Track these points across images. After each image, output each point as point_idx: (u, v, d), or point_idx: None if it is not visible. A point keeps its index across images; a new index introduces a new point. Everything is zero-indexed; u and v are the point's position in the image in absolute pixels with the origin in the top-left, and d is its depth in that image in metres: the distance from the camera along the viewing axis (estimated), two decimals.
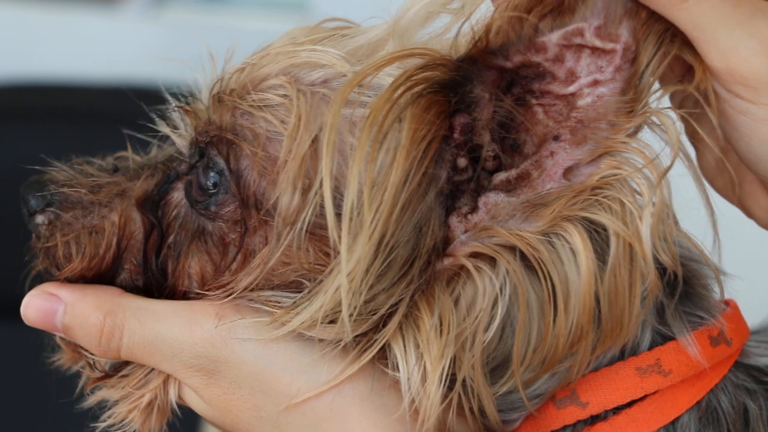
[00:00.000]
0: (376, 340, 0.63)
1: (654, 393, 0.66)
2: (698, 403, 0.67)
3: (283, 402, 0.65)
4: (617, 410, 0.67)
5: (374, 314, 0.62)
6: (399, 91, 0.60)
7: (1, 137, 1.55)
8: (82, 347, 0.71)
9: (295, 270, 0.65)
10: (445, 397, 0.63)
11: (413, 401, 0.63)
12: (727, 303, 0.71)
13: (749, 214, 0.72)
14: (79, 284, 0.70)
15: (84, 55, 1.81)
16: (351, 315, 0.61)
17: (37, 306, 0.69)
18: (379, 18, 0.66)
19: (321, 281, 0.63)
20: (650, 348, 0.67)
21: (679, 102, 0.69)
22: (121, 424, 0.70)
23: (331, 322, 0.63)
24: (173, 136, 0.71)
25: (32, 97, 1.64)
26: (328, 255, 0.64)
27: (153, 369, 0.69)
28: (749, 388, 0.69)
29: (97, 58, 1.65)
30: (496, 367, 0.65)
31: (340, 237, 0.60)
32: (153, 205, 0.70)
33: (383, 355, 0.64)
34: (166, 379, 0.69)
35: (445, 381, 0.62)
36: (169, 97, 0.70)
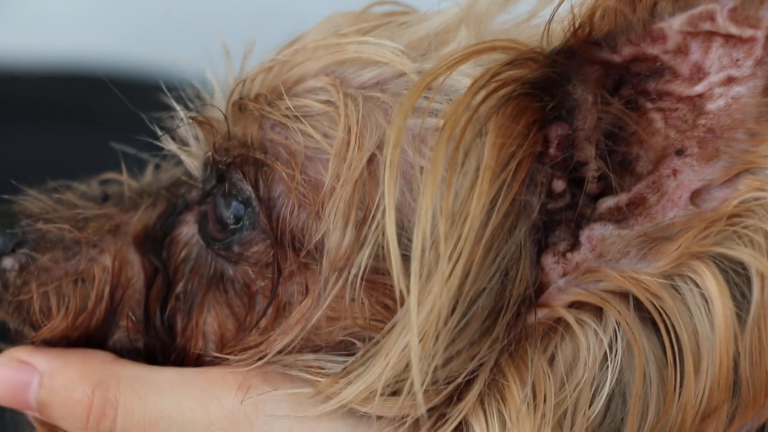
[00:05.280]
0: (449, 416, 0.56)
1: None
2: None
3: None
4: None
5: (449, 383, 0.55)
6: (480, 96, 0.53)
7: None
8: (62, 429, 0.63)
9: (344, 327, 0.58)
10: None
11: None
12: None
13: None
14: (59, 348, 0.63)
15: (47, 35, 1.72)
16: (422, 384, 0.53)
17: (5, 378, 0.61)
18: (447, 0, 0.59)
19: (378, 342, 0.56)
20: None
21: None
22: None
23: (393, 393, 0.56)
24: (181, 155, 0.63)
25: None
26: (388, 308, 0.57)
27: None
28: None
29: (66, 40, 1.57)
30: None
31: (407, 285, 0.53)
32: (156, 243, 0.64)
33: None
34: None
35: None
36: (174, 102, 0.61)
